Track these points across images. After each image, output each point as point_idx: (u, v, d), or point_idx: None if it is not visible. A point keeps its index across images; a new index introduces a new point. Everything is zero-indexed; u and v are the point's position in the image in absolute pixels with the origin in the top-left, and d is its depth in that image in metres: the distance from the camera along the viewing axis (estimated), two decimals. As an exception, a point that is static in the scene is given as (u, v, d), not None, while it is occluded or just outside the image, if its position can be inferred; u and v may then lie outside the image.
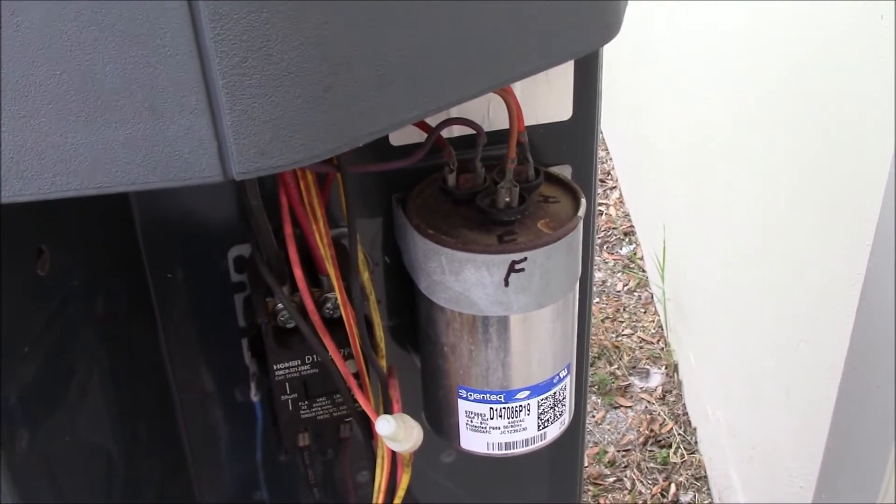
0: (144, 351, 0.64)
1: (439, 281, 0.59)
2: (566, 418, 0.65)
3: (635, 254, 2.29)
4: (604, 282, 2.25)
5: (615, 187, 2.50)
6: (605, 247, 2.34)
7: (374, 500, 0.61)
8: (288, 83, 0.37)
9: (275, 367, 0.57)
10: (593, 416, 1.97)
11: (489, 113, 0.63)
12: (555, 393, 0.63)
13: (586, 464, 1.89)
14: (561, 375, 0.63)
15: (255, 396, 0.61)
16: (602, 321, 2.15)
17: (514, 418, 0.62)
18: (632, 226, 2.37)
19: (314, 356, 0.58)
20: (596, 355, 2.08)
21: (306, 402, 0.59)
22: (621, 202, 2.45)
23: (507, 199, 0.58)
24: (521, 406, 0.62)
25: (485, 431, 0.63)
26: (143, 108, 0.36)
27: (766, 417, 1.58)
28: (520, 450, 0.64)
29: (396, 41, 0.39)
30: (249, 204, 0.51)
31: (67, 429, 0.52)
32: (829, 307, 1.27)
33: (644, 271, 2.23)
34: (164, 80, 0.36)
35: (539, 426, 0.63)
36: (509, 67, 0.44)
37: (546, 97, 0.63)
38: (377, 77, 0.39)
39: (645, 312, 2.16)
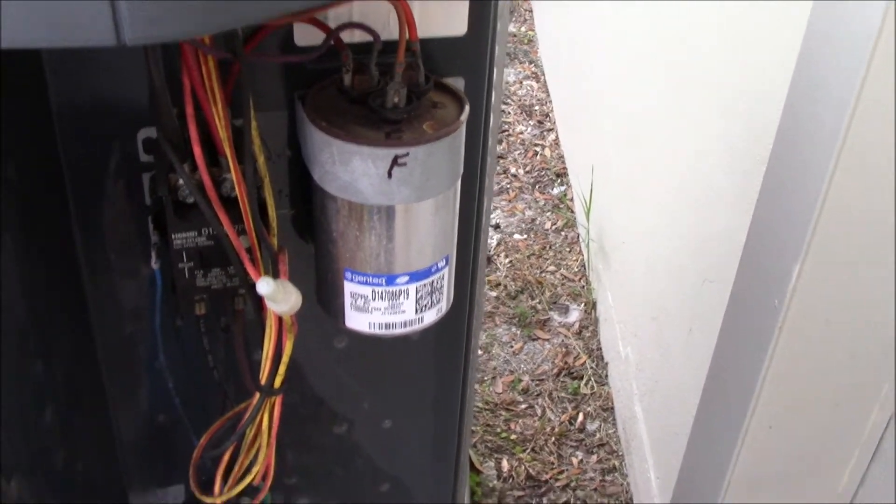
0: (54, 224, 0.69)
1: (330, 171, 0.65)
2: (444, 306, 0.72)
3: (566, 195, 2.37)
4: (533, 220, 2.33)
5: (552, 129, 2.57)
6: (537, 186, 2.41)
7: (262, 366, 0.68)
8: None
9: (173, 236, 0.63)
10: (511, 347, 2.06)
11: (389, 22, 0.68)
12: (433, 281, 0.70)
13: (500, 390, 1.98)
14: (439, 265, 0.70)
15: (154, 264, 0.67)
16: (528, 257, 2.23)
17: (394, 301, 0.69)
18: (565, 168, 2.44)
19: (210, 229, 0.64)
20: (519, 289, 2.16)
21: (202, 271, 0.65)
22: (557, 144, 2.53)
23: (396, 100, 0.64)
24: (400, 290, 0.69)
25: (367, 312, 0.69)
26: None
27: (669, 353, 1.68)
28: (399, 330, 0.70)
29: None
30: (153, 83, 0.56)
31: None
32: (732, 249, 1.36)
33: (573, 212, 2.31)
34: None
35: (417, 310, 0.70)
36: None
37: (442, 12, 0.69)
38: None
39: (570, 251, 2.25)
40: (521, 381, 2.00)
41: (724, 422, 1.20)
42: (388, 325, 0.70)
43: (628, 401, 1.88)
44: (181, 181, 0.62)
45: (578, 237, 2.26)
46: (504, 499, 1.84)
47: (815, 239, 0.98)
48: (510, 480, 1.85)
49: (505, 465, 1.86)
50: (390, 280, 0.68)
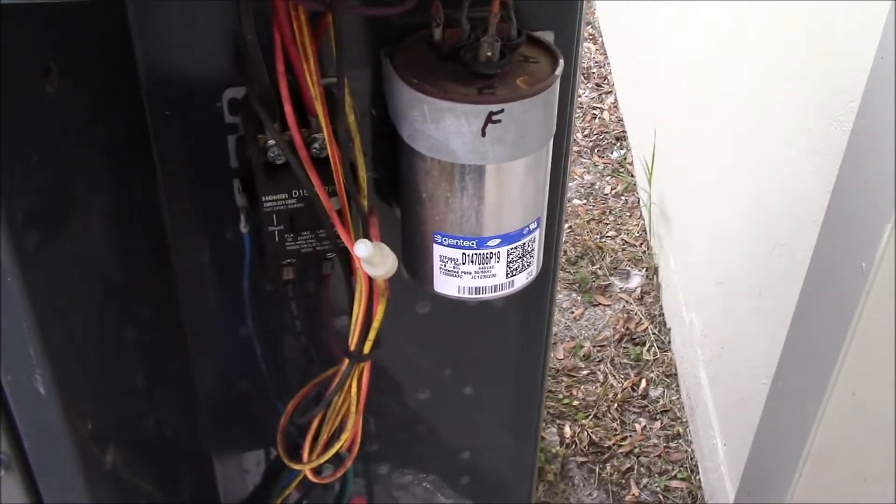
0: (141, 186, 0.68)
1: (421, 129, 0.62)
2: (534, 270, 0.70)
3: (625, 159, 2.33)
4: (592, 184, 2.29)
5: (611, 92, 2.52)
6: (596, 150, 2.37)
7: (351, 331, 0.66)
8: None
9: (263, 198, 0.61)
10: (572, 313, 2.04)
11: (477, -26, 0.66)
12: (524, 244, 0.68)
13: (562, 356, 1.96)
14: (531, 227, 0.68)
15: (244, 228, 0.65)
16: (588, 223, 2.20)
17: (485, 264, 0.67)
18: (624, 131, 2.40)
19: (301, 191, 0.62)
20: (579, 255, 2.14)
21: (291, 235, 0.64)
22: (616, 107, 2.48)
23: (489, 54, 0.61)
24: (491, 253, 0.67)
25: (457, 276, 0.68)
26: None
27: (737, 318, 1.64)
28: (489, 294, 0.68)
29: None
30: (245, 39, 0.54)
31: (73, 236, 0.56)
32: (805, 212, 1.32)
33: (633, 176, 2.27)
34: None
35: (508, 274, 0.68)
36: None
37: (532, -38, 0.66)
38: None
39: (630, 216, 2.21)
40: (582, 347, 1.98)
41: (804, 389, 1.16)
42: (477, 290, 0.68)
43: (692, 367, 1.85)
44: (270, 142, 0.61)
45: (639, 201, 2.22)
46: (567, 465, 1.82)
47: (907, 198, 0.94)
48: (573, 447, 1.84)
49: (567, 431, 1.84)
50: (481, 243, 0.66)
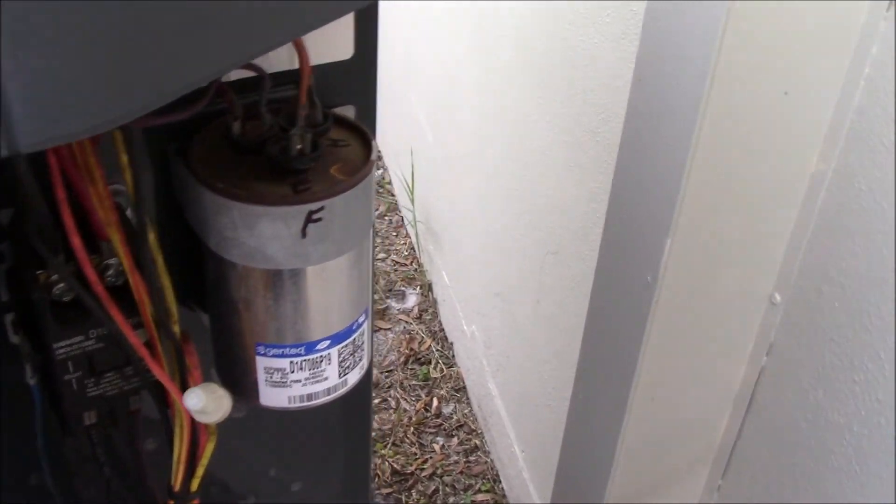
0: None
1: (231, 237, 0.55)
2: (365, 363, 0.65)
3: (384, 178, 2.31)
4: (354, 207, 2.26)
5: (358, 111, 2.50)
6: (353, 172, 2.34)
7: (174, 471, 0.58)
8: (82, 38, 0.32)
9: (55, 345, 0.51)
10: (354, 342, 1.99)
11: (268, 55, 0.59)
12: (354, 339, 0.62)
13: (351, 389, 1.91)
14: (360, 321, 0.62)
15: (31, 379, 0.55)
16: (356, 247, 2.17)
17: (316, 369, 0.61)
18: (378, 152, 2.38)
19: (98, 329, 0.53)
20: (352, 281, 2.09)
21: (92, 380, 0.54)
22: (365, 126, 2.46)
23: (300, 146, 0.55)
24: (322, 357, 0.61)
25: (285, 386, 0.61)
26: None
27: (518, 327, 1.67)
28: (322, 399, 0.63)
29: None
30: (17, 173, 0.44)
31: None
32: (572, 220, 1.36)
33: (393, 195, 2.26)
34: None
35: (340, 374, 0.62)
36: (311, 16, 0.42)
37: (327, 36, 0.61)
38: (178, 32, 0.35)
39: (397, 235, 2.20)
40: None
41: (606, 400, 1.20)
42: (309, 396, 0.62)
43: (480, 378, 1.87)
44: (54, 278, 0.51)
45: (403, 220, 2.21)
46: (373, 499, 1.78)
47: (683, 211, 0.99)
48: (376, 479, 1.80)
49: (368, 465, 1.80)
50: (310, 348, 0.60)
